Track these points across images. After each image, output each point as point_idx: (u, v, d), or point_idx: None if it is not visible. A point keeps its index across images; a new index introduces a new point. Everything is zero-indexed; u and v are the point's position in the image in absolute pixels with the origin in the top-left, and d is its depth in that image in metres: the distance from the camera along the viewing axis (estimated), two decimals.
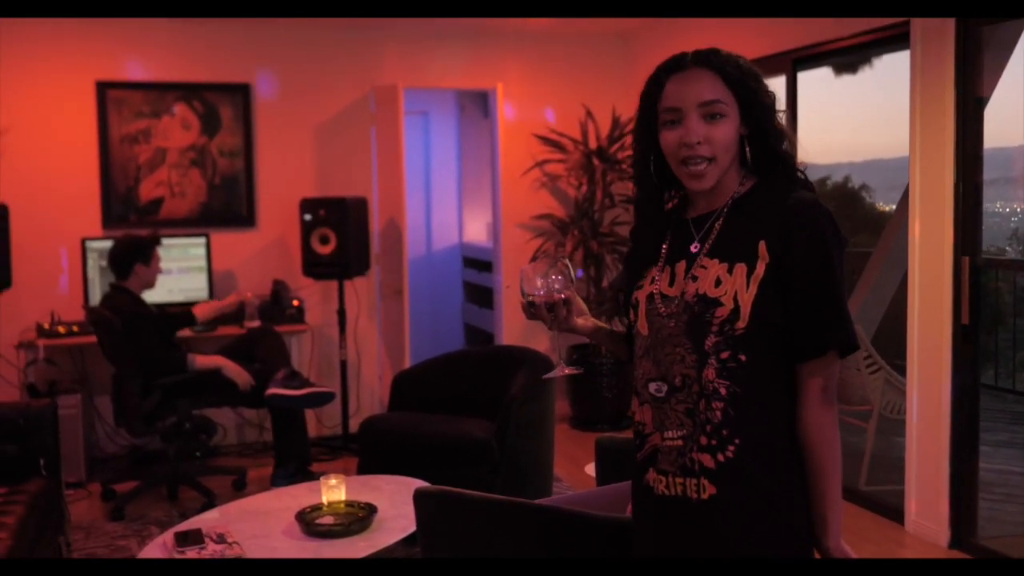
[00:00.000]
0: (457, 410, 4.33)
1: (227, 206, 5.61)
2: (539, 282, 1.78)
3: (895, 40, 4.20)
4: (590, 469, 3.95)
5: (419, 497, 2.45)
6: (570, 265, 1.82)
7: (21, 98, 5.17)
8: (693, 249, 1.66)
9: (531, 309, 1.79)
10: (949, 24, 3.78)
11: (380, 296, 5.88)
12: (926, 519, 4.00)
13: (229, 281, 5.58)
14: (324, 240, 5.30)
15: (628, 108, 5.96)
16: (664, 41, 5.85)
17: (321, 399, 4.63)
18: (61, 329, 4.92)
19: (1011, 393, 6.59)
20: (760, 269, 1.58)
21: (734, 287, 1.58)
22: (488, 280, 6.68)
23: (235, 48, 5.53)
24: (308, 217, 5.31)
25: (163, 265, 4.71)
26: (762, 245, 1.59)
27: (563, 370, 1.91)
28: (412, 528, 2.77)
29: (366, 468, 4.11)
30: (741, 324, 1.56)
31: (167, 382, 4.39)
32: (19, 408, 3.80)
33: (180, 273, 5.27)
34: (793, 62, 4.75)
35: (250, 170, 5.62)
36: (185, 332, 4.91)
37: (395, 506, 3.17)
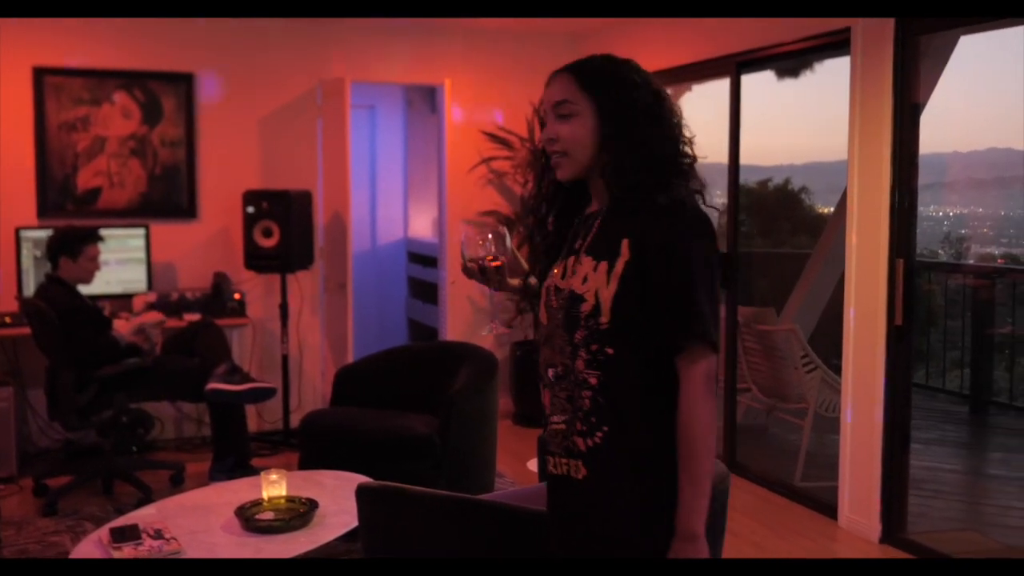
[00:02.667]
0: (400, 406, 4.32)
1: (168, 197, 5.51)
2: (479, 245, 1.95)
3: (836, 46, 4.29)
4: (532, 465, 3.98)
5: (361, 493, 2.45)
6: (506, 232, 1.99)
7: None
8: (577, 246, 1.77)
9: (471, 270, 1.95)
10: (888, 32, 3.87)
11: (323, 290, 5.84)
12: (858, 514, 4.10)
13: (169, 273, 5.49)
14: (267, 233, 5.24)
15: None
16: (613, 41, 5.90)
17: (262, 395, 4.59)
18: None
19: (941, 392, 6.79)
20: (619, 266, 1.66)
21: (596, 284, 1.68)
22: (433, 275, 6.67)
23: (179, 37, 5.43)
24: (251, 210, 5.25)
25: (103, 255, 4.61)
26: (625, 243, 1.67)
27: (497, 328, 2.06)
28: (354, 524, 2.76)
29: (308, 463, 4.07)
30: (604, 319, 1.67)
31: (104, 374, 4.31)
32: None
33: (118, 265, 5.17)
34: (737, 65, 4.82)
35: (192, 161, 5.53)
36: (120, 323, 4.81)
37: (336, 501, 3.16)
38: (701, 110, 5.99)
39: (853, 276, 4.10)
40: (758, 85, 5.16)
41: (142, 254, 5.26)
